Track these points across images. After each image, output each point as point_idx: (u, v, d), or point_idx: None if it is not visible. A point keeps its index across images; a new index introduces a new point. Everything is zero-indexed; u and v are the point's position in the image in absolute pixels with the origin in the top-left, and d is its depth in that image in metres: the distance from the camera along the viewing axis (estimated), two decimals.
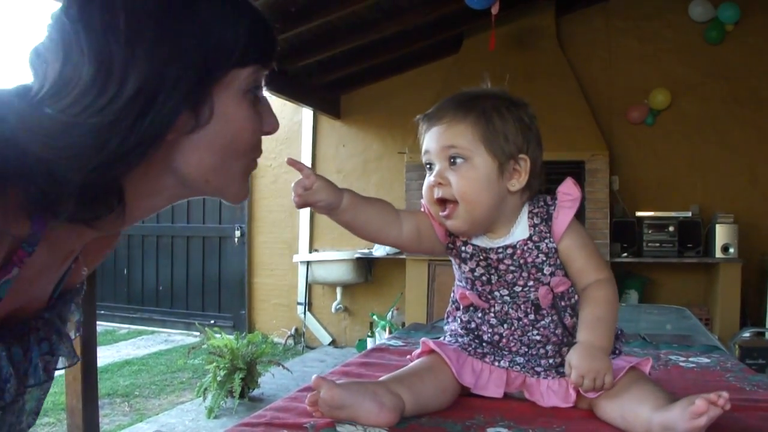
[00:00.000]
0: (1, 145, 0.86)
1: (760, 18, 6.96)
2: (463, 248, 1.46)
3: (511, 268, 1.41)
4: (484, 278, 1.44)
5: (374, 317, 7.26)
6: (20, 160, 0.87)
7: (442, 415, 1.32)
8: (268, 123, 1.13)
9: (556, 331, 1.42)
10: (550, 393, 1.41)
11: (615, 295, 1.40)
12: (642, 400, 1.26)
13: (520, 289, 1.42)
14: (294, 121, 8.18)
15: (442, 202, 1.40)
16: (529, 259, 1.41)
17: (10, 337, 1.03)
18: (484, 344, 1.47)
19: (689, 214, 6.81)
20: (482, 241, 1.45)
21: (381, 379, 1.34)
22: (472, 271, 1.45)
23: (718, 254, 6.59)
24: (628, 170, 7.14)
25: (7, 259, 0.92)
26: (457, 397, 1.41)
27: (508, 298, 1.43)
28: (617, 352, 1.44)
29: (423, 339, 1.48)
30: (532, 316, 1.42)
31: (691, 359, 1.98)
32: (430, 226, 1.49)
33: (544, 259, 1.41)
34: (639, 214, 6.79)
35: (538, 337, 1.43)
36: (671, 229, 6.71)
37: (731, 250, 6.57)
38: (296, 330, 8.18)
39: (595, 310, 1.37)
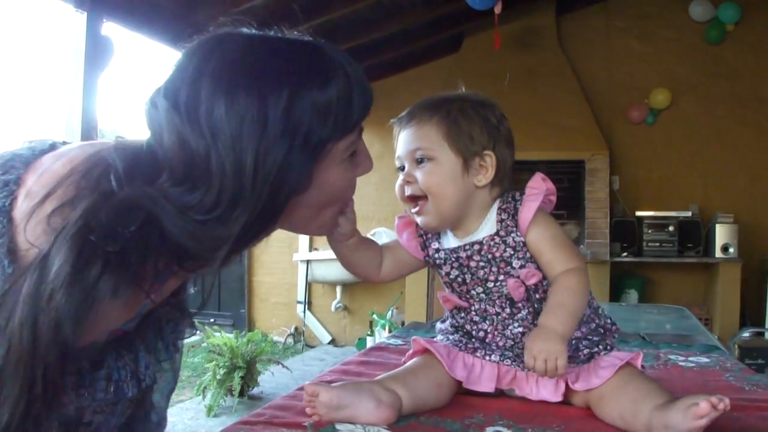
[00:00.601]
0: (160, 241, 1.05)
1: (761, 18, 6.97)
2: (436, 255, 1.50)
3: (481, 263, 1.44)
4: (459, 279, 1.47)
5: (374, 316, 7.26)
6: (171, 247, 1.07)
7: (441, 414, 1.32)
8: (363, 167, 1.28)
9: (535, 323, 1.41)
10: (539, 387, 1.41)
11: (581, 284, 1.40)
12: (640, 400, 1.26)
13: (492, 284, 1.44)
14: None
15: (413, 199, 1.45)
16: (497, 254, 1.43)
17: (147, 327, 1.30)
18: (473, 340, 1.48)
19: (689, 213, 6.82)
20: (451, 242, 1.49)
21: (376, 378, 1.34)
22: (448, 274, 1.48)
23: (718, 254, 6.60)
24: (629, 170, 7.15)
25: (147, 293, 1.12)
26: (453, 393, 1.41)
27: (483, 295, 1.45)
28: (608, 347, 1.43)
29: (414, 338, 1.49)
30: (508, 310, 1.44)
31: (690, 359, 1.98)
32: (405, 252, 1.56)
33: (512, 252, 1.42)
34: (639, 213, 6.80)
35: (520, 329, 1.44)
36: (671, 228, 6.71)
37: (731, 250, 6.57)
38: (296, 329, 8.18)
39: (557, 297, 1.38)
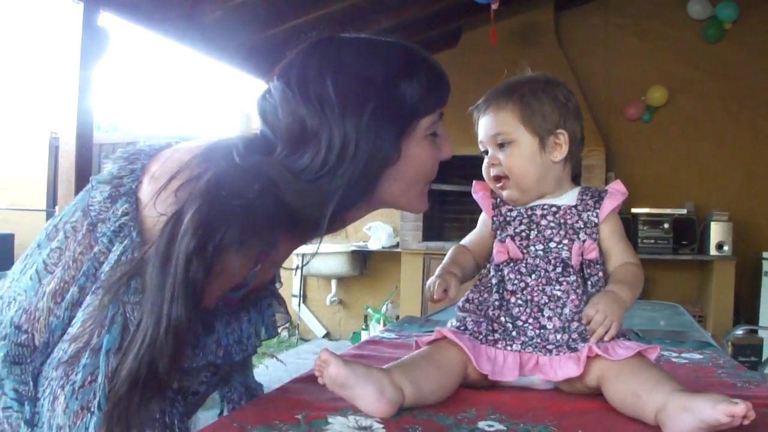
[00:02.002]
0: (277, 202, 1.26)
1: (759, 17, 6.98)
2: (508, 213, 1.59)
3: (552, 224, 1.53)
4: (523, 234, 1.54)
5: (369, 310, 7.26)
6: (286, 209, 1.28)
7: (434, 408, 1.32)
8: (444, 151, 1.51)
9: (578, 291, 1.47)
10: (562, 366, 1.42)
11: (641, 277, 1.54)
12: (663, 381, 1.28)
13: (555, 245, 1.51)
14: None
15: (498, 178, 1.57)
16: (569, 221, 1.53)
17: (250, 304, 1.54)
18: (495, 327, 1.48)
19: (684, 211, 6.83)
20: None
21: (386, 366, 1.34)
22: (515, 229, 1.56)
23: (713, 252, 6.62)
24: (625, 166, 7.15)
25: (257, 259, 1.37)
26: (455, 390, 1.41)
27: (541, 252, 1.51)
28: (627, 337, 1.45)
29: (437, 329, 1.49)
30: (559, 269, 1.49)
31: (683, 355, 1.98)
32: (483, 230, 1.66)
33: (582, 226, 1.52)
34: (634, 210, 6.80)
35: (559, 293, 1.47)
36: (666, 226, 6.73)
37: (726, 247, 6.59)
38: (291, 322, 8.17)
39: (624, 276, 1.51)
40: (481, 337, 1.48)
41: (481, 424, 1.23)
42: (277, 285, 1.70)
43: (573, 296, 1.47)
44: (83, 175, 3.91)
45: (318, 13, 5.68)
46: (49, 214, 9.22)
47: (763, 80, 7.04)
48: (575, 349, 1.42)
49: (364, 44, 1.43)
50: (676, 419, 1.18)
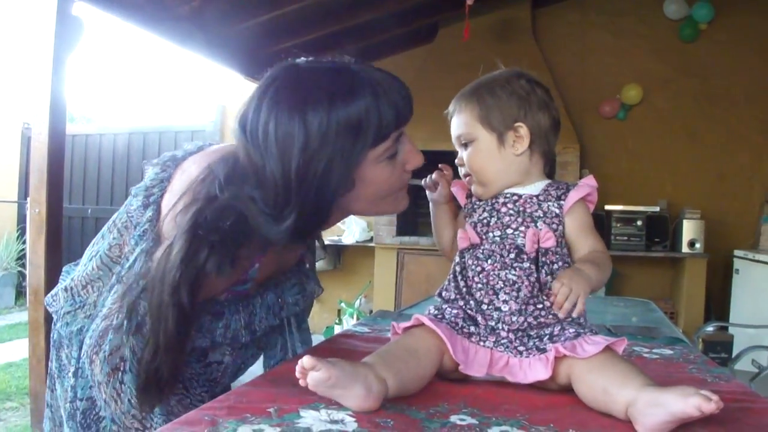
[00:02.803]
0: (248, 233, 1.45)
1: (734, 17, 7.04)
2: (476, 201, 1.65)
3: (510, 211, 1.57)
4: (485, 220, 1.59)
5: (342, 304, 7.25)
6: (257, 236, 1.46)
7: (406, 401, 1.32)
8: (410, 163, 1.58)
9: (530, 277, 1.48)
10: (531, 369, 1.42)
11: (608, 262, 1.57)
12: (632, 376, 1.28)
13: (511, 231, 1.55)
14: None
15: (466, 175, 1.67)
16: (528, 210, 1.56)
17: (267, 289, 1.75)
18: (468, 321, 1.49)
19: (657, 208, 6.87)
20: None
21: (367, 359, 1.33)
22: (478, 216, 1.61)
23: (685, 249, 6.67)
24: (599, 164, 7.19)
25: (252, 263, 1.61)
26: (430, 380, 1.42)
27: (498, 238, 1.55)
28: (594, 332, 1.46)
29: (416, 315, 1.49)
30: (513, 255, 1.51)
31: (654, 350, 2.00)
32: (461, 216, 1.72)
33: (541, 215, 1.55)
34: (608, 207, 6.83)
35: (513, 277, 1.49)
36: (639, 223, 6.76)
37: (697, 245, 6.64)
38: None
39: (591, 257, 1.55)
40: (458, 328, 1.49)
41: (453, 418, 1.23)
42: (294, 267, 1.85)
43: (526, 282, 1.49)
44: (56, 167, 3.88)
45: (294, 6, 5.66)
46: (21, 206, 9.17)
47: (737, 80, 7.09)
48: (544, 350, 1.43)
49: (309, 77, 1.48)
50: (647, 414, 1.18)
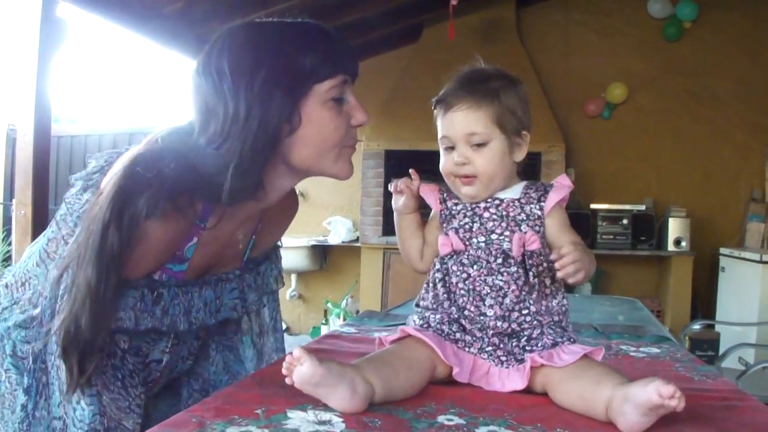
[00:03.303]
0: (189, 171, 1.42)
1: (718, 16, 7.07)
2: (453, 207, 1.60)
3: (494, 217, 1.54)
4: (467, 226, 1.56)
5: (329, 305, 7.24)
6: (198, 177, 1.43)
7: (394, 402, 1.32)
8: (355, 118, 1.57)
9: (518, 281, 1.48)
10: (508, 379, 1.43)
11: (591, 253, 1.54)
12: (603, 379, 1.29)
13: (496, 237, 1.53)
14: None
15: (464, 176, 1.56)
16: (511, 214, 1.54)
17: (206, 283, 1.65)
18: (454, 327, 1.49)
19: (643, 207, 6.90)
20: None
21: (356, 362, 1.33)
22: (459, 221, 1.57)
23: (671, 247, 6.69)
24: (584, 163, 7.21)
25: (189, 234, 1.52)
26: (422, 387, 1.41)
27: (483, 244, 1.53)
28: (572, 340, 1.46)
29: (401, 327, 1.49)
30: (500, 260, 1.50)
31: (641, 349, 2.00)
32: (435, 227, 1.65)
33: (524, 218, 1.54)
34: (593, 206, 6.85)
35: (501, 283, 1.49)
36: (625, 221, 6.78)
37: (683, 243, 6.66)
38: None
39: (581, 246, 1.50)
40: (444, 334, 1.49)
41: (441, 418, 1.23)
42: (236, 272, 1.76)
43: (513, 287, 1.49)
44: (41, 168, 3.85)
45: (281, 5, 5.65)
46: (6, 207, 9.11)
47: (721, 79, 7.12)
48: (522, 361, 1.44)
49: (264, 24, 1.57)
50: (622, 412, 1.20)
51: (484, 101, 1.54)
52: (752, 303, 5.94)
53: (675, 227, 6.70)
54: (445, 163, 1.59)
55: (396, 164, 7.04)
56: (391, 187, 1.64)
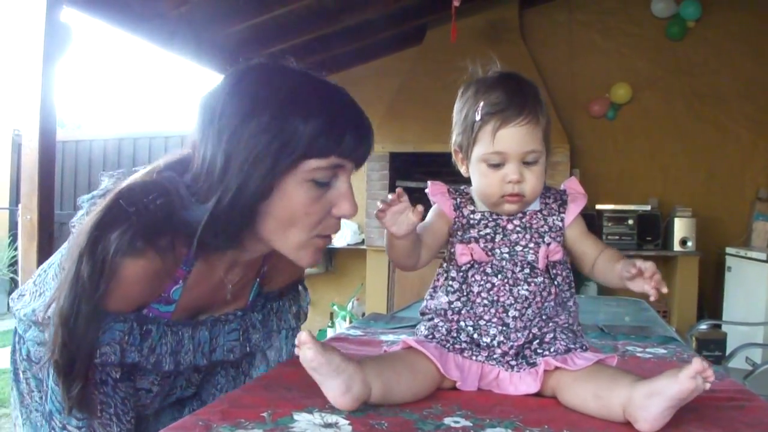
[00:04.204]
0: (171, 212, 1.34)
1: (721, 15, 7.05)
2: (471, 216, 1.56)
3: (518, 228, 1.52)
4: (488, 236, 1.53)
5: (334, 307, 7.24)
6: (178, 220, 1.35)
7: (400, 404, 1.32)
8: (339, 207, 1.43)
9: (543, 293, 1.48)
10: (521, 382, 1.42)
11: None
12: (619, 377, 1.29)
13: (521, 248, 1.51)
14: None
15: (514, 195, 1.49)
16: (535, 225, 1.53)
17: (201, 324, 1.58)
18: (462, 336, 1.48)
19: (648, 207, 6.89)
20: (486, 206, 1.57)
21: (362, 361, 1.32)
22: (479, 231, 1.54)
23: (677, 247, 6.68)
24: (589, 163, 7.20)
25: (174, 277, 1.46)
26: (427, 395, 1.41)
27: (507, 255, 1.51)
28: (584, 348, 1.45)
29: (403, 338, 1.49)
30: (527, 271, 1.49)
31: (648, 350, 2.00)
32: (438, 225, 1.61)
33: (547, 230, 1.53)
34: (599, 206, 6.84)
35: (526, 293, 1.47)
36: (630, 222, 6.77)
37: (689, 243, 6.65)
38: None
39: (616, 254, 1.55)
40: (449, 345, 1.48)
41: (448, 420, 1.23)
42: (238, 312, 1.67)
43: (539, 297, 1.48)
44: (47, 173, 3.86)
45: (283, 9, 5.65)
46: (12, 212, 9.14)
47: (725, 78, 7.11)
48: (534, 364, 1.43)
49: (281, 71, 1.45)
50: (647, 406, 1.18)
51: (541, 116, 1.48)
52: (759, 302, 5.92)
53: (681, 227, 6.69)
54: (493, 181, 1.49)
55: (401, 166, 7.05)
56: (377, 212, 1.47)
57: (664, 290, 1.42)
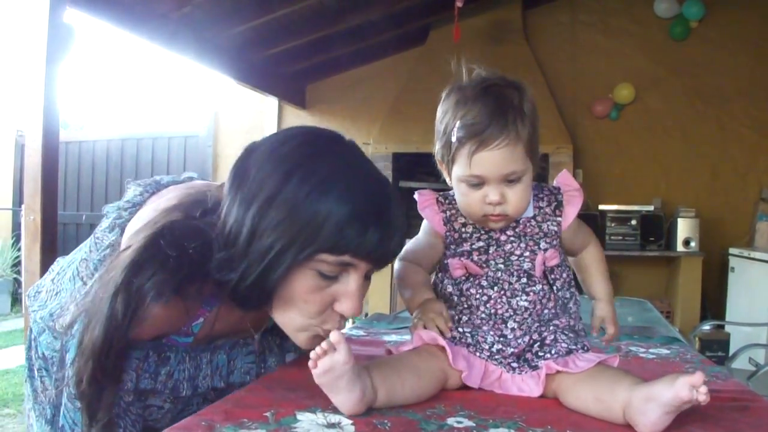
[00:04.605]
0: (205, 261, 1.33)
1: (724, 15, 7.05)
2: (462, 229, 1.53)
3: (512, 238, 1.49)
4: (482, 249, 1.50)
5: None
6: (213, 274, 1.34)
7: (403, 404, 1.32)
8: (341, 304, 1.39)
9: (543, 300, 1.47)
10: (524, 385, 1.42)
11: (603, 253, 1.69)
12: (620, 379, 1.28)
13: (515, 258, 1.48)
14: (259, 110, 8.14)
15: (500, 215, 1.45)
16: (530, 233, 1.49)
17: (219, 348, 1.58)
18: (466, 327, 1.48)
19: (652, 207, 6.88)
20: None
21: (368, 366, 1.31)
22: (471, 245, 1.51)
23: (680, 248, 6.67)
24: (592, 164, 7.20)
25: (196, 315, 1.48)
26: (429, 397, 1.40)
27: (502, 266, 1.48)
28: (586, 349, 1.44)
29: (418, 332, 1.46)
30: (524, 280, 1.47)
31: (651, 350, 2.00)
32: (431, 243, 1.60)
33: (542, 236, 1.50)
34: (602, 207, 6.84)
35: (525, 303, 1.46)
36: (634, 222, 6.76)
37: (692, 243, 6.64)
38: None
39: (600, 267, 1.65)
40: (455, 340, 1.47)
41: (450, 421, 1.23)
42: (255, 336, 1.64)
43: (539, 306, 1.46)
44: (50, 174, 3.87)
45: (285, 10, 5.66)
46: (16, 213, 9.15)
47: (728, 78, 7.10)
48: (536, 367, 1.42)
49: (316, 148, 1.39)
50: (644, 412, 1.18)
51: (521, 131, 1.39)
52: (762, 303, 5.91)
53: (684, 227, 6.68)
54: (472, 201, 1.45)
55: (404, 166, 7.05)
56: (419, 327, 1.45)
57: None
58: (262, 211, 1.30)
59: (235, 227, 1.32)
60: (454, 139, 1.41)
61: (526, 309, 1.46)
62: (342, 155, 1.41)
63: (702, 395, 1.13)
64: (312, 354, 1.20)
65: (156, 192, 1.54)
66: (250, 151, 1.40)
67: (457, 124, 1.41)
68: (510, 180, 1.41)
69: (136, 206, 1.50)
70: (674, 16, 7.10)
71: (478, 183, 1.42)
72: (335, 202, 1.29)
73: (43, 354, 1.58)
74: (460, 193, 1.47)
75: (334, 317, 1.41)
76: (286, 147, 1.37)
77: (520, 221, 1.49)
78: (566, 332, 1.46)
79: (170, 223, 1.35)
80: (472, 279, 1.50)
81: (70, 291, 1.52)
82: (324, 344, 1.19)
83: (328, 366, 1.19)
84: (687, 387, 1.13)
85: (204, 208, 1.40)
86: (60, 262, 1.70)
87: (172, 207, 1.41)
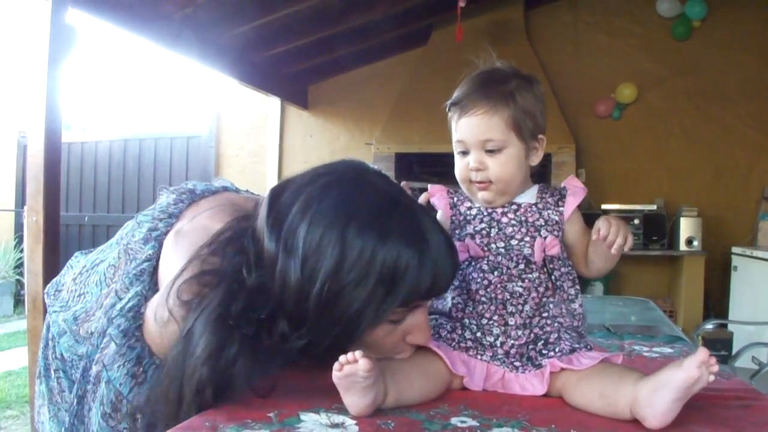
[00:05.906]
0: (279, 322, 1.27)
1: (727, 14, 7.04)
2: (468, 212, 1.57)
3: (513, 222, 1.52)
4: (483, 232, 1.53)
5: None
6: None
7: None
8: (414, 336, 1.37)
9: (540, 288, 1.47)
10: (527, 384, 1.42)
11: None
12: (625, 375, 1.29)
13: (516, 242, 1.51)
14: (261, 111, 8.13)
15: (480, 182, 1.52)
16: (530, 219, 1.53)
17: None
18: (467, 334, 1.48)
19: (654, 207, 6.87)
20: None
21: (382, 366, 1.31)
22: (474, 227, 1.55)
23: (683, 247, 6.67)
24: (595, 163, 7.20)
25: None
26: (435, 396, 1.40)
27: (503, 250, 1.51)
28: (589, 347, 1.45)
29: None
30: (522, 266, 1.49)
31: (654, 349, 1.99)
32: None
33: (543, 224, 1.52)
34: (605, 206, 6.82)
35: (519, 289, 1.47)
36: (636, 222, 6.76)
37: (695, 243, 6.64)
38: None
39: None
40: (454, 344, 1.47)
41: (454, 420, 1.23)
42: None
43: (534, 293, 1.47)
44: (52, 175, 3.87)
45: (287, 10, 5.65)
46: (18, 214, 9.16)
47: (731, 77, 7.10)
48: (540, 366, 1.42)
49: (371, 203, 1.31)
50: (653, 402, 1.18)
51: (501, 105, 1.49)
52: (765, 302, 5.90)
53: (686, 227, 6.68)
54: (460, 167, 1.55)
55: (406, 166, 7.05)
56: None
57: (626, 248, 1.44)
58: (331, 280, 1.22)
59: (298, 294, 1.24)
60: (447, 109, 1.56)
61: (521, 295, 1.47)
62: (383, 193, 1.34)
63: (714, 368, 1.15)
64: (342, 358, 1.19)
65: (192, 203, 1.51)
66: (284, 210, 1.29)
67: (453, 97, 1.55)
68: (489, 150, 1.50)
69: (171, 217, 1.48)
70: (676, 16, 7.09)
71: (463, 150, 1.54)
72: (405, 252, 1.24)
73: (62, 355, 1.56)
74: (455, 161, 1.57)
75: (406, 348, 1.41)
76: (323, 204, 1.26)
77: (522, 206, 1.54)
78: (569, 331, 1.47)
79: (229, 295, 1.25)
80: (474, 263, 1.52)
81: (96, 296, 1.51)
82: (357, 354, 1.19)
83: (352, 372, 1.19)
84: (695, 365, 1.14)
85: (256, 249, 1.30)
86: (80, 260, 1.69)
87: (212, 249, 1.32)
